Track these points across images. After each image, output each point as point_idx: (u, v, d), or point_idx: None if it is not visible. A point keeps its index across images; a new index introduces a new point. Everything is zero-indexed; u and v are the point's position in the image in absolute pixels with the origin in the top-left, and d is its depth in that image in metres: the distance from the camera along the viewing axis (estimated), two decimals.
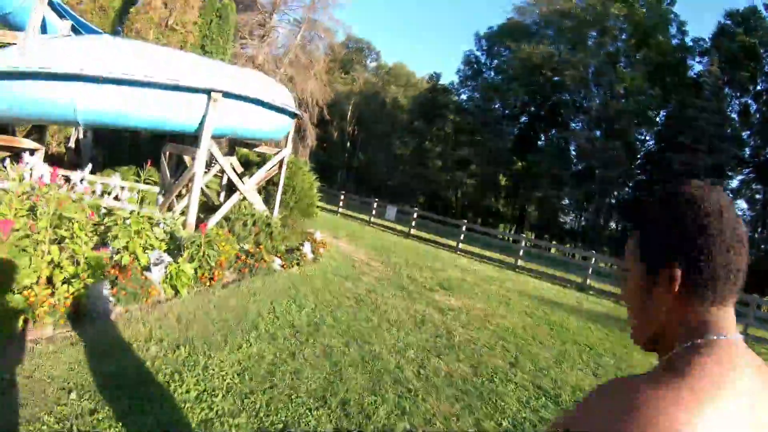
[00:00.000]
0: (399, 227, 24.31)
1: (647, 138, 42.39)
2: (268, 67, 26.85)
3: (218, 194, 13.50)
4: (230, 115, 9.28)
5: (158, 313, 5.79)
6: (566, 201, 44.51)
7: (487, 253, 20.71)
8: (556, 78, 43.58)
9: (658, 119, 41.83)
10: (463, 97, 55.34)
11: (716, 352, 0.86)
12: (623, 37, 42.99)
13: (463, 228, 21.56)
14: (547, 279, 18.08)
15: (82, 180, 7.37)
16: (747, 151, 38.53)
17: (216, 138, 9.98)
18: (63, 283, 5.29)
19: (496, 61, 52.25)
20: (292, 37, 28.42)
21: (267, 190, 13.66)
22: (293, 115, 11.79)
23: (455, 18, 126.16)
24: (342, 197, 27.65)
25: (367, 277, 10.66)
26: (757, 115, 38.88)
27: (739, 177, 39.12)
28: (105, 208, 7.43)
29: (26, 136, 10.65)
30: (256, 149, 12.97)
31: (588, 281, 17.67)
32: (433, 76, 57.73)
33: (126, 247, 6.52)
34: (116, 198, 7.80)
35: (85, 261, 5.74)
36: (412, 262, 14.59)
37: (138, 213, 6.99)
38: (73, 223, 5.73)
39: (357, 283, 9.72)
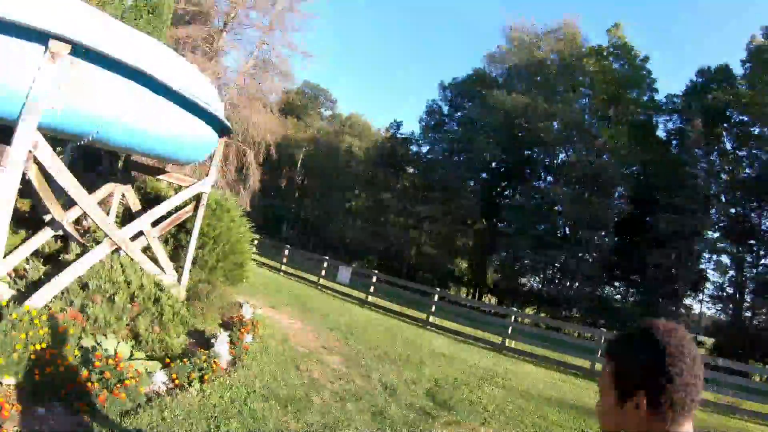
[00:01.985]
0: (354, 293, 19.97)
1: (622, 198, 39.45)
2: None
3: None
4: (97, 98, 5.05)
5: None
6: (536, 263, 40.67)
7: (466, 329, 16.58)
8: (522, 132, 40.95)
9: (630, 179, 39.47)
10: (425, 149, 52.16)
11: None
12: (588, 92, 41.21)
13: (435, 297, 17.49)
14: (548, 365, 14.12)
15: None
16: (715, 211, 37.09)
17: (67, 138, 5.71)
18: None
19: (459, 114, 49.47)
20: (243, 61, 24.38)
21: (177, 240, 9.35)
22: (221, 129, 7.70)
23: (419, 70, 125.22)
24: (286, 252, 23.28)
25: (322, 395, 6.40)
26: (722, 176, 37.59)
27: (716, 235, 36.95)
28: None
29: None
30: (163, 176, 8.68)
31: (596, 366, 13.75)
32: (393, 125, 54.28)
33: None
34: None
35: None
36: (380, 350, 10.38)
37: None
38: None
39: (304, 415, 5.46)
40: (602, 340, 14.59)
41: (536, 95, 40.18)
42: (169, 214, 8.57)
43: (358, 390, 7.06)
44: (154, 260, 7.82)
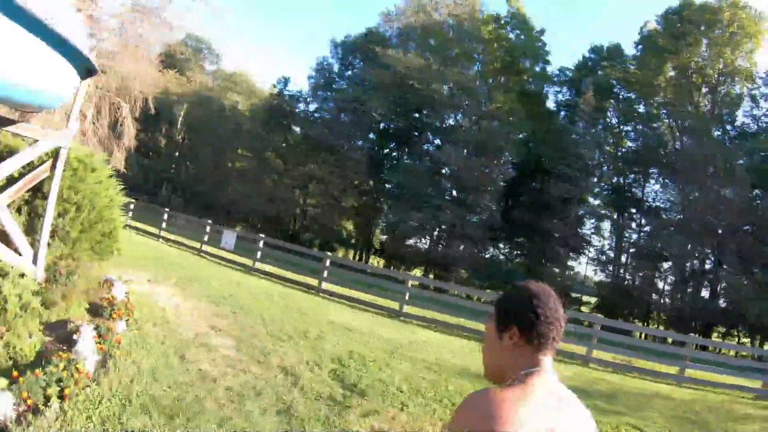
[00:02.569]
0: (240, 259, 18.66)
1: (508, 164, 40.24)
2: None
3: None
4: None
5: None
6: (423, 225, 40.58)
7: (360, 295, 15.90)
8: (413, 94, 40.64)
9: (519, 145, 40.46)
10: (313, 107, 50.12)
11: (535, 377, 1.40)
12: (481, 59, 41.75)
13: (327, 262, 16.60)
14: (447, 329, 13.88)
15: None
16: (597, 180, 39.59)
17: None
18: None
19: (350, 72, 48.17)
20: (121, 3, 21.26)
21: (34, 208, 7.81)
22: (86, 68, 6.36)
23: (310, 27, 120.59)
24: (165, 217, 21.39)
25: (215, 394, 5.42)
26: (607, 148, 40.46)
27: (597, 202, 39.93)
28: None
29: None
30: (11, 128, 7.04)
31: None
32: (280, 81, 51.25)
33: None
34: None
35: None
36: (274, 325, 9.44)
37: None
38: None
39: (196, 427, 4.47)
40: (491, 301, 14.58)
41: (430, 58, 39.84)
42: (22, 175, 7.08)
43: (256, 381, 6.14)
44: (4, 235, 6.38)
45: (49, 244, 7.39)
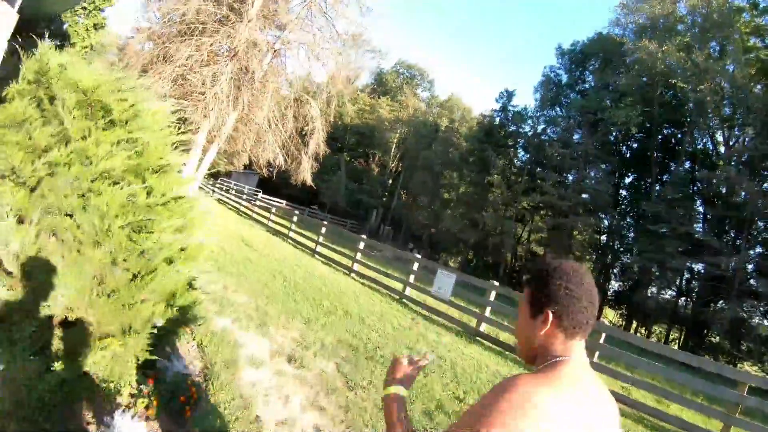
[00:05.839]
0: (457, 314, 12.68)
1: None
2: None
3: None
4: None
5: None
6: (667, 271, 30.32)
7: (638, 395, 9.25)
8: (665, 103, 32.24)
9: None
10: (540, 127, 42.42)
11: (567, 364, 1.37)
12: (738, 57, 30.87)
13: (602, 337, 10.00)
14: None
15: None
16: None
17: None
18: None
19: (582, 84, 40.85)
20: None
21: None
22: None
23: (527, 39, 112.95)
24: (361, 245, 16.45)
25: None
26: None
27: None
28: None
29: None
30: None
31: None
32: (503, 95, 44.09)
33: None
34: None
35: None
36: None
37: None
38: None
39: None
40: None
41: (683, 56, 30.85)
42: None
43: None
44: None
45: None
